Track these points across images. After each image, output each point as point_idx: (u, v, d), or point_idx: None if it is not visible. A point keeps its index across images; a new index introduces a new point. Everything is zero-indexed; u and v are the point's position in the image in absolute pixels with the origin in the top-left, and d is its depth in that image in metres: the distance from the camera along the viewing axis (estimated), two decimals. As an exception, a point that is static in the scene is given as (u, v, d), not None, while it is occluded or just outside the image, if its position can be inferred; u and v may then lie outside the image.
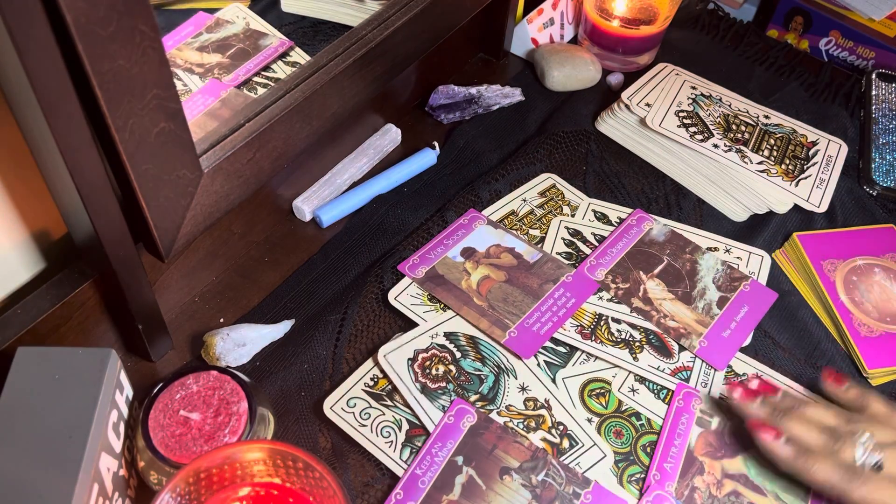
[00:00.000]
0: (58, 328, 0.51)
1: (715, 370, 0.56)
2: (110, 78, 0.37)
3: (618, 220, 0.65)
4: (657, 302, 0.59)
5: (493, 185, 0.67)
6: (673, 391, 0.55)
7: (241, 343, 0.54)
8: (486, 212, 0.64)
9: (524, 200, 0.66)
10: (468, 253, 0.60)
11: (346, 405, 0.53)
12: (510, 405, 0.53)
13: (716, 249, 0.63)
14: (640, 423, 0.54)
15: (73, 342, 0.52)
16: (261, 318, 0.58)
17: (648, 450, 0.52)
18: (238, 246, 0.61)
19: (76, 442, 0.41)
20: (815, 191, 0.68)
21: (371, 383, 0.54)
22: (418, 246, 0.62)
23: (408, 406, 0.53)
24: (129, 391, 0.49)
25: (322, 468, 0.40)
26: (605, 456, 0.52)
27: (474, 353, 0.55)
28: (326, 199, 0.65)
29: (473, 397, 0.53)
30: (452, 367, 0.54)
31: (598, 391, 0.55)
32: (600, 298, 0.59)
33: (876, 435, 0.51)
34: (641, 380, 0.56)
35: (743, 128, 0.71)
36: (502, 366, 0.55)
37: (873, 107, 0.76)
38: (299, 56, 0.68)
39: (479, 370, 0.55)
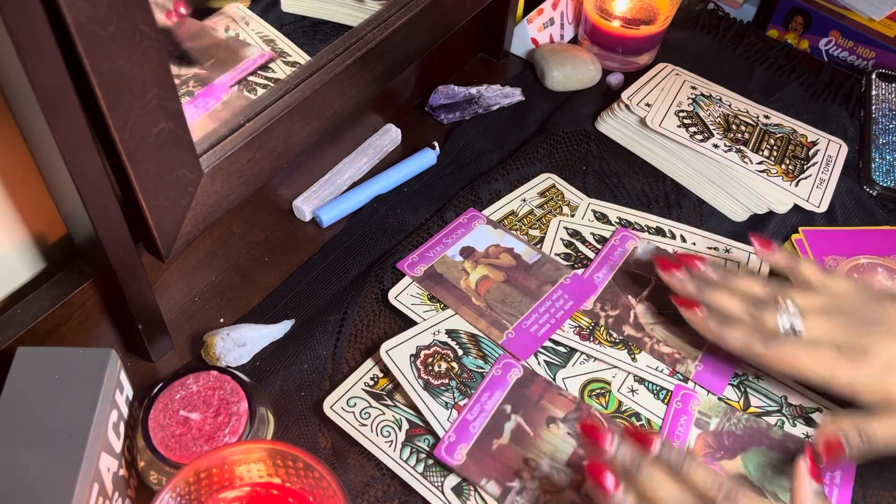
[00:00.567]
0: (58, 328, 0.51)
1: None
2: (110, 78, 0.37)
3: (617, 221, 0.65)
4: (649, 327, 0.57)
5: (493, 185, 0.67)
6: (672, 392, 0.55)
7: (241, 343, 0.54)
8: (486, 212, 0.64)
9: (524, 200, 0.66)
10: (467, 252, 0.60)
11: (346, 405, 0.53)
12: (510, 405, 0.53)
13: (715, 249, 0.63)
14: (640, 423, 0.54)
15: (73, 342, 0.52)
16: (261, 318, 0.58)
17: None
18: (238, 246, 0.61)
19: (76, 442, 0.41)
20: (815, 191, 0.68)
21: (371, 383, 0.54)
22: (418, 246, 0.62)
23: (409, 406, 0.53)
24: (129, 391, 0.49)
25: (322, 468, 0.40)
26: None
27: (476, 351, 0.55)
28: (326, 199, 0.65)
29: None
30: (455, 365, 0.54)
31: (598, 391, 0.55)
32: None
33: (799, 300, 0.51)
34: (641, 380, 0.56)
35: (743, 128, 0.71)
36: (502, 366, 0.55)
37: (873, 107, 0.76)
38: (299, 56, 0.68)
39: (482, 368, 0.55)
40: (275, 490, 0.43)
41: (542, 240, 0.63)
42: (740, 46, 0.83)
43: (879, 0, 0.79)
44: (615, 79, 0.77)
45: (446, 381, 0.54)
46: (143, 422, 0.46)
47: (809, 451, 0.45)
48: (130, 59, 0.37)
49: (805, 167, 0.69)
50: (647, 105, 0.71)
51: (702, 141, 0.69)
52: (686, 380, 0.55)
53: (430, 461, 0.50)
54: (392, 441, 0.51)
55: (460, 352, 0.55)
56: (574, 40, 0.82)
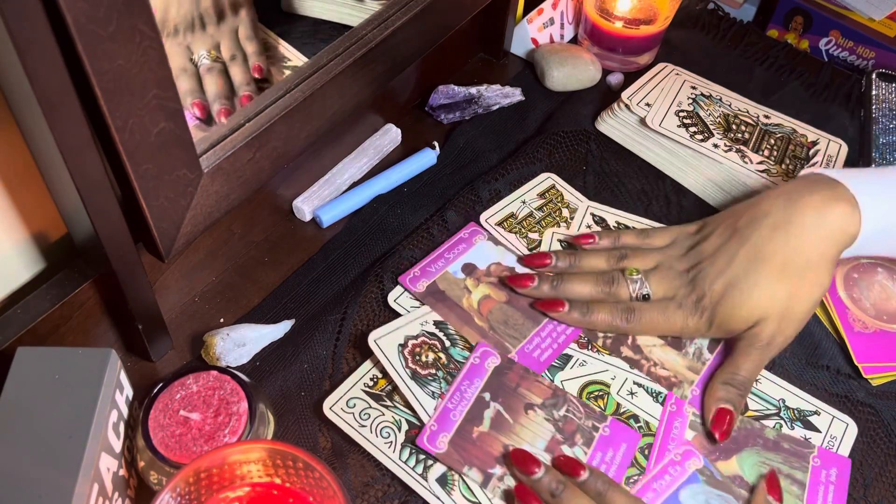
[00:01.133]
0: (58, 328, 0.51)
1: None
2: (110, 78, 0.37)
3: (616, 225, 0.65)
4: (647, 349, 0.57)
5: (493, 185, 0.67)
6: (667, 395, 0.55)
7: (241, 343, 0.54)
8: (485, 213, 0.64)
9: (523, 202, 0.65)
10: (469, 269, 0.60)
11: (345, 405, 0.53)
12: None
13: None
14: (639, 425, 0.54)
15: (73, 342, 0.52)
16: (261, 318, 0.58)
17: (646, 452, 0.52)
18: (238, 246, 0.61)
19: (76, 442, 0.41)
20: (815, 191, 0.68)
21: (371, 384, 0.54)
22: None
23: (407, 407, 0.53)
24: (129, 391, 0.49)
25: (322, 468, 0.40)
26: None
27: (463, 343, 0.56)
28: (326, 199, 0.65)
29: None
30: (442, 355, 0.55)
31: (596, 393, 0.55)
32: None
33: (636, 264, 0.57)
34: (639, 384, 0.56)
35: (743, 128, 0.71)
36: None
37: (873, 107, 0.76)
38: (298, 57, 0.68)
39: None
40: (275, 490, 0.44)
41: (539, 244, 0.63)
42: (740, 46, 0.83)
43: (879, 0, 0.79)
44: (615, 79, 0.77)
45: (433, 371, 0.54)
46: (143, 422, 0.46)
47: (771, 476, 0.50)
48: (130, 59, 0.37)
49: (805, 167, 0.69)
50: (647, 105, 0.71)
51: (702, 141, 0.69)
52: (683, 402, 0.55)
53: (431, 462, 0.50)
54: (391, 442, 0.51)
55: (447, 343, 0.55)
56: (574, 40, 0.82)
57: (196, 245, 0.57)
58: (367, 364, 0.55)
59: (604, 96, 0.76)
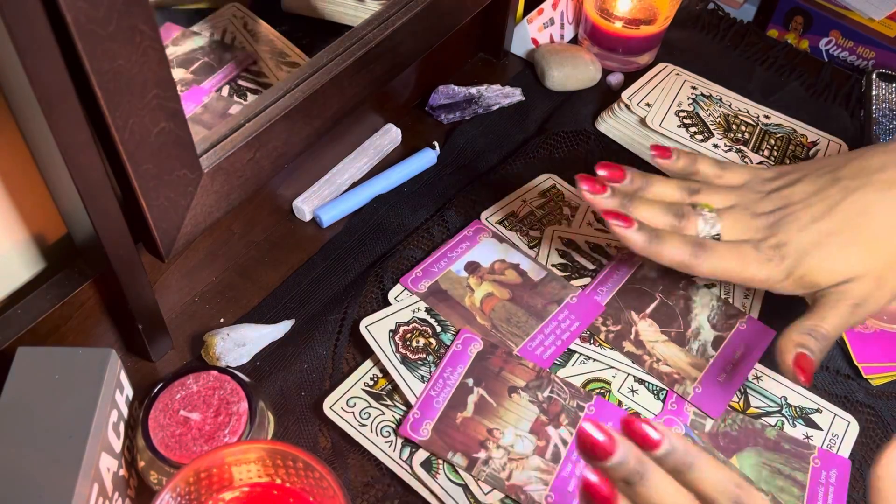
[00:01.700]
0: (58, 328, 0.51)
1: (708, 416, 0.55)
2: (110, 78, 0.37)
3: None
4: (649, 345, 0.57)
5: (493, 185, 0.67)
6: (668, 392, 0.55)
7: (241, 343, 0.54)
8: (486, 212, 0.64)
9: (524, 201, 0.65)
10: (472, 268, 0.60)
11: (345, 405, 0.53)
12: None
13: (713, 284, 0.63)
14: (640, 423, 0.54)
15: (73, 342, 0.52)
16: (261, 318, 0.58)
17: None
18: (238, 246, 0.61)
19: (76, 442, 0.41)
20: (815, 191, 0.68)
21: (371, 383, 0.54)
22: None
23: (406, 405, 0.53)
24: (129, 391, 0.49)
25: (322, 468, 0.40)
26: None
27: (454, 329, 0.56)
28: (326, 199, 0.65)
29: None
30: (433, 340, 0.55)
31: (597, 391, 0.55)
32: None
33: (711, 202, 0.53)
34: (640, 381, 0.56)
35: (743, 128, 0.71)
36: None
37: (873, 107, 0.76)
38: (299, 57, 0.68)
39: None
40: (275, 490, 0.43)
41: (539, 241, 0.63)
42: (740, 46, 0.83)
43: (879, 0, 0.79)
44: (615, 79, 0.77)
45: (423, 356, 0.54)
46: (143, 422, 0.46)
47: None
48: (130, 59, 0.37)
49: (805, 167, 0.69)
50: (648, 105, 0.71)
51: (702, 141, 0.69)
52: (684, 401, 0.55)
53: (415, 447, 0.51)
54: (392, 441, 0.51)
55: (438, 328, 0.56)
56: (574, 40, 0.82)
57: (196, 245, 0.57)
58: (368, 363, 0.55)
59: (604, 96, 0.76)
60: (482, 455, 0.50)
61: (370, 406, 0.53)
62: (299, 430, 0.52)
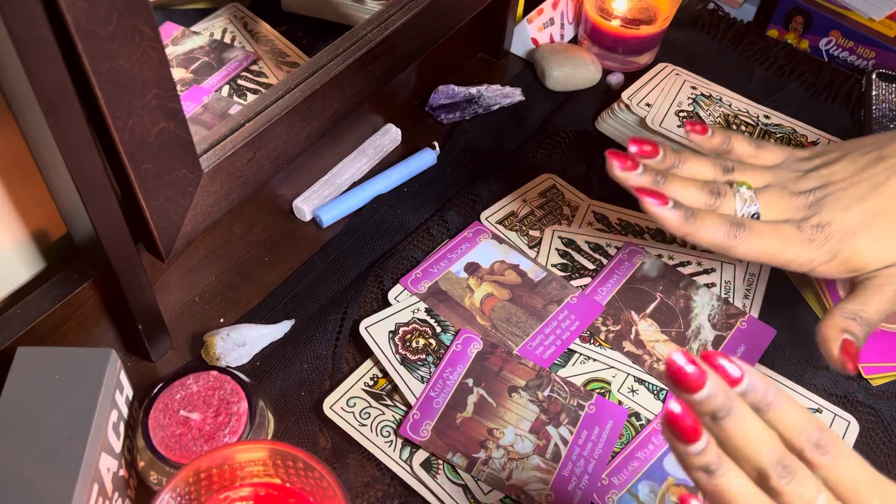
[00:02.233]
0: (58, 328, 0.51)
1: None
2: (110, 78, 0.37)
3: (618, 222, 0.65)
4: (649, 345, 0.57)
5: (493, 185, 0.67)
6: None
7: (241, 343, 0.54)
8: (486, 212, 0.64)
9: (524, 201, 0.65)
10: (472, 268, 0.60)
11: (345, 405, 0.53)
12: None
13: (713, 284, 0.63)
14: (640, 423, 0.54)
15: (73, 342, 0.52)
16: (261, 318, 0.58)
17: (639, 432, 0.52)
18: (238, 246, 0.61)
19: (76, 442, 0.41)
20: (815, 191, 0.68)
21: (371, 383, 0.54)
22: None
23: (406, 404, 0.53)
24: (129, 391, 0.49)
25: (322, 468, 0.40)
26: (605, 456, 0.52)
27: (454, 329, 0.56)
28: (326, 199, 0.65)
29: None
30: (433, 341, 0.55)
31: (598, 391, 0.55)
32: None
33: (749, 181, 0.50)
34: (641, 381, 0.56)
35: (743, 128, 0.71)
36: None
37: (873, 107, 0.76)
38: (299, 57, 0.68)
39: None
40: (275, 490, 0.44)
41: (539, 241, 0.63)
42: (740, 46, 0.83)
43: (879, 0, 0.79)
44: (615, 79, 0.77)
45: (423, 356, 0.54)
46: (143, 422, 0.46)
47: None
48: (130, 59, 0.37)
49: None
50: (648, 105, 0.71)
51: (702, 141, 0.69)
52: None
53: (415, 448, 0.51)
54: (392, 441, 0.51)
55: (438, 329, 0.56)
56: (574, 40, 0.82)
57: (196, 245, 0.57)
58: (368, 363, 0.55)
59: (604, 96, 0.76)
60: (482, 455, 0.50)
61: (370, 406, 0.53)
62: (299, 430, 0.52)
